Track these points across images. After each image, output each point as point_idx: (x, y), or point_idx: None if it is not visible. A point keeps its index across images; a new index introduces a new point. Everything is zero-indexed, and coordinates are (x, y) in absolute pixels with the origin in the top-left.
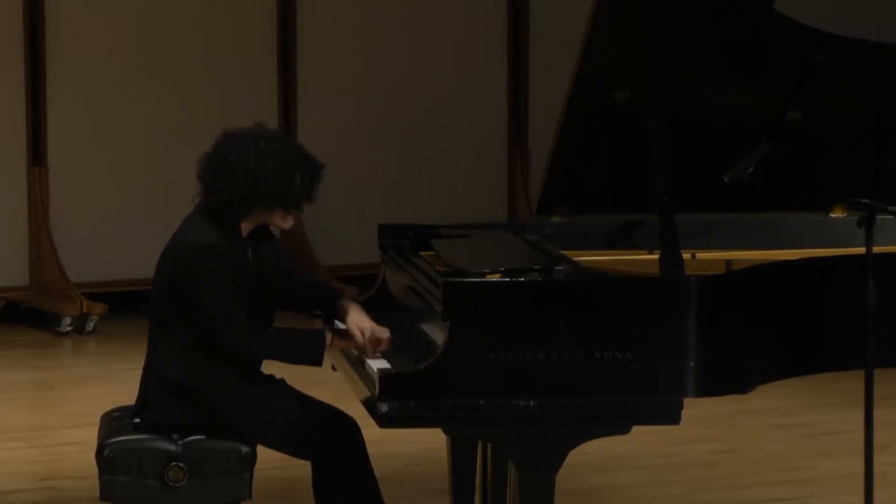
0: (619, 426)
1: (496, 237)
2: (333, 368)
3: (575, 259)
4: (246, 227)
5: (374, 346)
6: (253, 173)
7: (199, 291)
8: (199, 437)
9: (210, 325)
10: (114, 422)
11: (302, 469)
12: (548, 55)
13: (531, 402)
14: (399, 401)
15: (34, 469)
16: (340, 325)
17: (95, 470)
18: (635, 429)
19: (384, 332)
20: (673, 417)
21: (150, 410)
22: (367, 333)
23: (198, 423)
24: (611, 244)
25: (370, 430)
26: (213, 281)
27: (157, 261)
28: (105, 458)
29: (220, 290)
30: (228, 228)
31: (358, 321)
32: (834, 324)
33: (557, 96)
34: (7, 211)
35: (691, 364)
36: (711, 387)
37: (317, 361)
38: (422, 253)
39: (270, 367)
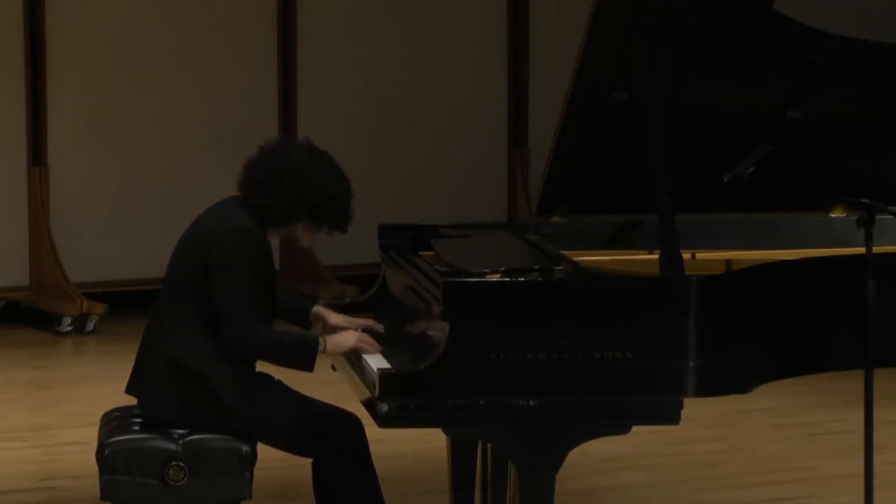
0: (619, 426)
1: (496, 237)
2: (333, 368)
3: (575, 259)
4: (272, 233)
5: (366, 342)
6: (314, 187)
7: (225, 276)
8: (199, 436)
9: (218, 308)
10: (114, 422)
11: (302, 469)
12: (548, 55)
13: (531, 402)
14: (399, 401)
15: (34, 469)
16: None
17: (95, 470)
18: (635, 429)
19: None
20: (673, 417)
21: (150, 393)
22: (353, 327)
23: (199, 414)
24: (611, 244)
25: (370, 430)
26: (240, 266)
27: (181, 243)
28: (105, 457)
29: (246, 280)
30: (260, 226)
31: (338, 323)
32: (834, 324)
33: (557, 96)
34: (7, 211)
35: (691, 364)
36: (711, 387)
37: (308, 366)
38: (422, 253)
39: (269, 368)
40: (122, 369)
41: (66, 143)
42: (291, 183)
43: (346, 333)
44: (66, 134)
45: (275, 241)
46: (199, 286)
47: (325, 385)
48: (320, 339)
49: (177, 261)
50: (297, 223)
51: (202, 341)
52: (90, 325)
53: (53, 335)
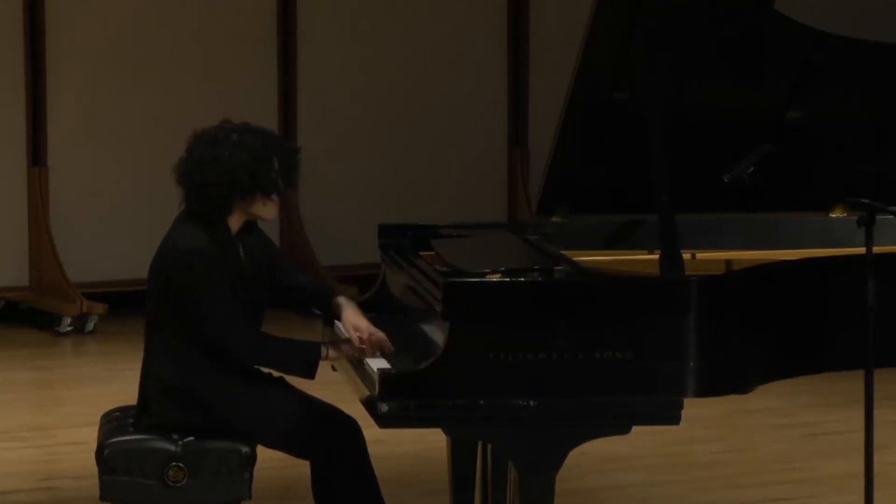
0: (620, 426)
1: (496, 237)
2: (333, 368)
3: (575, 259)
4: (234, 222)
5: (373, 348)
6: (229, 165)
7: (192, 299)
8: (198, 437)
9: (206, 332)
10: (114, 422)
11: (302, 469)
12: (548, 56)
13: (531, 402)
14: (399, 401)
15: (34, 469)
16: (342, 330)
17: (95, 470)
18: (635, 429)
19: (380, 334)
20: (673, 417)
21: (149, 414)
22: (365, 335)
23: (198, 424)
24: (611, 244)
25: (370, 430)
26: (205, 288)
27: (150, 266)
28: (105, 458)
29: (213, 297)
30: (216, 228)
31: (354, 321)
32: (834, 324)
33: (557, 97)
34: (7, 211)
35: (691, 364)
36: (711, 387)
37: (310, 374)
38: (422, 253)
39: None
40: (122, 369)
41: (66, 143)
42: (206, 175)
43: (348, 340)
44: (66, 134)
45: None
46: (169, 309)
47: (325, 385)
48: (322, 347)
49: (148, 285)
50: (233, 206)
51: (187, 358)
52: (90, 325)
53: (53, 335)
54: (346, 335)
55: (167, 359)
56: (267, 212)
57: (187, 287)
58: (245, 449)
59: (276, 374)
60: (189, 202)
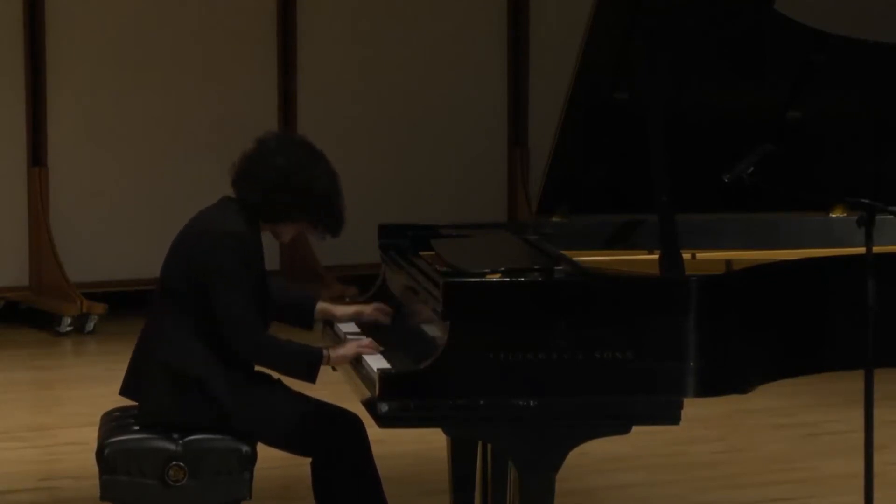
0: (620, 426)
1: (496, 237)
2: (333, 368)
3: (575, 259)
4: (263, 230)
5: (383, 314)
6: (311, 189)
7: (222, 283)
8: (199, 436)
9: (221, 316)
10: (114, 422)
11: (302, 469)
12: (548, 56)
13: (531, 402)
14: (399, 401)
15: (34, 469)
16: (340, 332)
17: (95, 470)
18: (635, 429)
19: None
20: (673, 417)
21: (148, 398)
22: (368, 309)
23: (198, 416)
24: (611, 244)
25: (370, 430)
26: (236, 272)
27: (175, 245)
28: (105, 458)
29: (240, 284)
30: (254, 228)
31: (354, 308)
32: (834, 324)
33: (557, 97)
34: (7, 211)
35: (691, 364)
36: (711, 387)
37: (311, 377)
38: (422, 253)
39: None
40: (122, 369)
41: (66, 143)
42: (294, 184)
43: (348, 344)
44: (66, 134)
45: (273, 240)
46: (191, 291)
47: (325, 385)
48: (324, 352)
49: (169, 266)
50: (290, 223)
51: (197, 345)
52: (90, 325)
53: (53, 335)
54: (346, 337)
55: (178, 343)
56: (287, 236)
57: (217, 267)
58: (245, 448)
59: (275, 375)
60: (247, 194)
